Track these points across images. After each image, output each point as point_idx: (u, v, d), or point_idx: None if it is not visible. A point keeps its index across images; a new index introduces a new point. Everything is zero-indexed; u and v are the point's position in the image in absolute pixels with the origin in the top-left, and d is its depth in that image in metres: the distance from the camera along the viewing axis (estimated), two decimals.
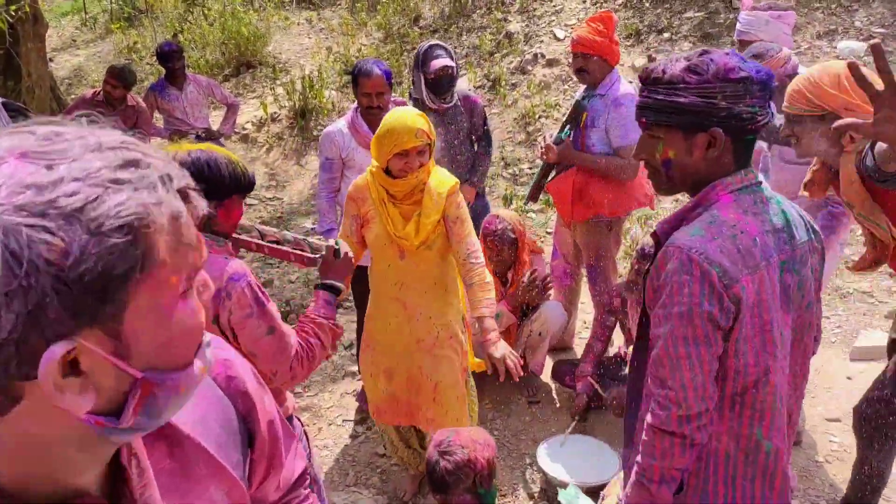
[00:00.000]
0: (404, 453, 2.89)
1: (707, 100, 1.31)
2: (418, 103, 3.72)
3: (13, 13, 4.55)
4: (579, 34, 3.09)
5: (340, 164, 3.26)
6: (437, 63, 3.51)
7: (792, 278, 1.35)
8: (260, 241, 2.00)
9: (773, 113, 1.32)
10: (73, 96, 7.96)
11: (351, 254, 2.02)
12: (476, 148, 3.91)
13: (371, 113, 3.11)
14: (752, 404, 1.35)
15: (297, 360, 1.78)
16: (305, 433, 2.11)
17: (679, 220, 1.41)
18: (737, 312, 1.29)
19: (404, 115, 2.34)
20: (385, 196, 2.41)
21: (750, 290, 1.29)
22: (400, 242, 2.40)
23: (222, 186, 1.75)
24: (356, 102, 3.24)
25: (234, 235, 1.92)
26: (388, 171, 2.38)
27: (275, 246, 2.00)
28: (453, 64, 3.59)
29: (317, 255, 1.97)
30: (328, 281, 1.96)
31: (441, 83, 3.56)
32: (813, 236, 1.43)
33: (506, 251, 3.16)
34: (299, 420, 2.09)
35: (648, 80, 1.37)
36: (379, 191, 2.41)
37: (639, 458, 1.39)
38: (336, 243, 1.99)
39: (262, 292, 1.76)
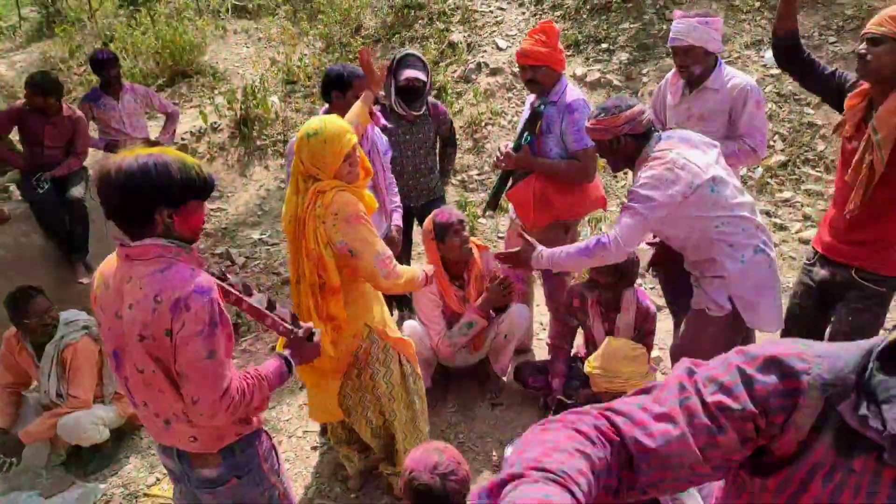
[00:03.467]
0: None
1: None
2: (385, 108, 3.72)
3: None
4: (524, 47, 3.16)
5: None
6: (408, 73, 3.54)
7: None
8: (242, 296, 1.97)
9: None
10: None
11: (321, 345, 2.06)
12: (438, 156, 4.00)
13: None
14: None
15: (228, 401, 1.71)
16: (274, 448, 2.05)
17: None
18: None
19: (333, 117, 2.48)
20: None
21: None
22: None
23: (174, 191, 1.68)
24: (326, 107, 3.21)
25: (220, 283, 1.86)
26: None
27: (256, 306, 1.97)
28: (424, 78, 3.61)
29: (294, 329, 1.98)
30: (289, 357, 1.96)
31: (410, 93, 3.59)
32: None
33: (462, 244, 3.18)
34: (268, 435, 2.03)
35: None
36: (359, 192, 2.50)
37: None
38: (314, 330, 2.04)
39: (222, 314, 1.70)
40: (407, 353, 2.74)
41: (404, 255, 4.12)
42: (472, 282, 3.31)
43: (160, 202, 1.68)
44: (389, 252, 2.47)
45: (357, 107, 3.02)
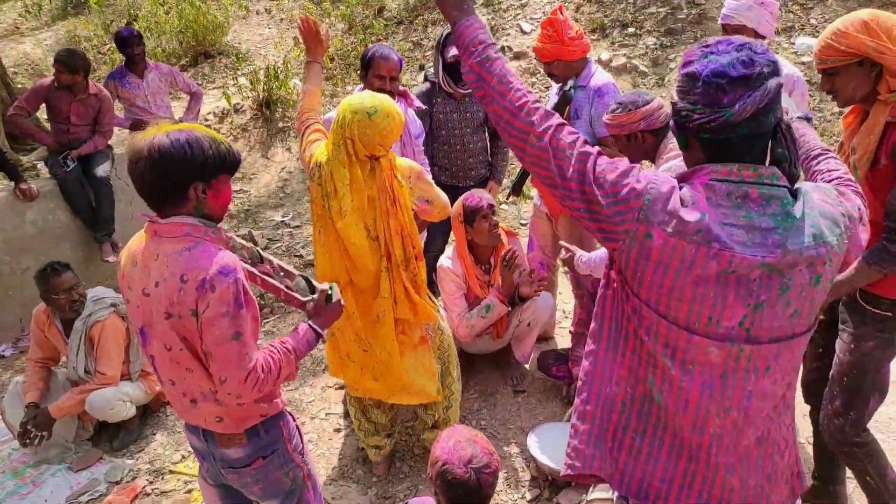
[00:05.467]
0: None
1: (673, 92, 1.36)
2: (434, 86, 3.72)
3: None
4: (535, 44, 3.14)
5: None
6: (454, 50, 3.51)
7: (761, 275, 1.27)
8: (253, 270, 1.96)
9: (728, 113, 1.25)
10: (20, 85, 7.59)
11: (343, 301, 2.01)
12: (489, 138, 3.97)
13: None
14: (648, 349, 1.36)
15: (253, 379, 1.71)
16: (298, 429, 2.06)
17: None
18: (630, 248, 1.30)
19: (371, 92, 2.49)
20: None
21: (656, 243, 1.28)
22: None
23: (207, 166, 1.69)
24: (361, 86, 3.20)
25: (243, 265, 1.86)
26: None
27: (268, 279, 1.96)
28: None
29: (307, 299, 1.96)
30: (315, 324, 1.94)
31: (458, 70, 3.57)
32: (830, 239, 1.31)
33: (490, 229, 3.17)
34: (292, 416, 2.04)
35: None
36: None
37: None
38: (330, 288, 1.99)
39: (247, 294, 1.71)
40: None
41: (442, 238, 4.14)
42: (498, 267, 3.30)
43: (195, 178, 1.68)
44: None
45: (310, 91, 2.76)
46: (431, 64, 3.81)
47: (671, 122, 1.37)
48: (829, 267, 1.31)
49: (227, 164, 1.74)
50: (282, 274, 2.04)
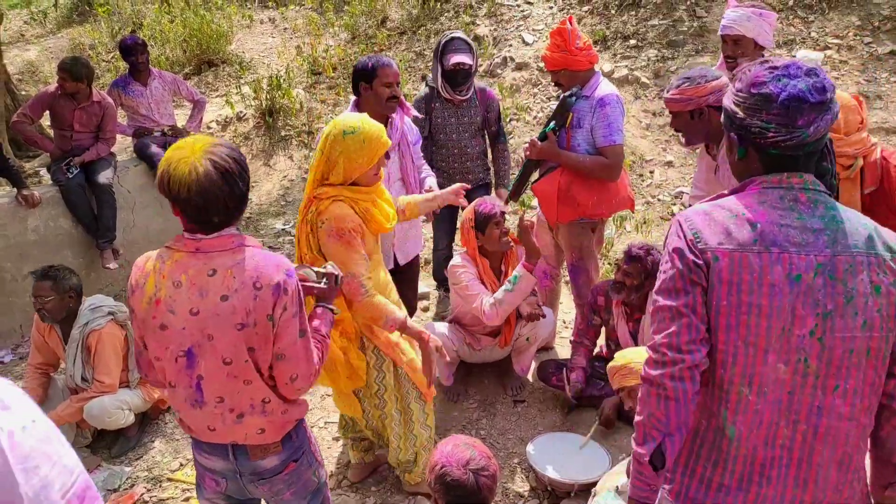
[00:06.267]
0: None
1: (733, 106, 1.42)
2: (433, 91, 3.75)
3: None
4: (544, 53, 3.17)
5: None
6: (454, 58, 3.55)
7: (824, 282, 1.34)
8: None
9: (804, 133, 1.34)
10: (24, 92, 7.63)
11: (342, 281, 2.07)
12: (489, 143, 3.99)
13: (390, 104, 3.01)
14: (721, 383, 1.39)
15: (316, 371, 1.77)
16: (309, 431, 2.06)
17: None
18: (708, 276, 1.37)
19: (366, 116, 2.41)
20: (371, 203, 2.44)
21: (724, 263, 1.35)
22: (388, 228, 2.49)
23: None
24: (355, 99, 3.16)
25: None
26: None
27: (306, 284, 1.96)
28: (471, 62, 3.61)
29: (326, 286, 1.98)
30: (327, 304, 1.97)
31: (457, 77, 3.60)
32: (883, 252, 1.36)
33: (501, 236, 3.16)
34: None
35: None
36: (365, 203, 2.41)
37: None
38: (338, 270, 2.01)
39: (302, 293, 1.75)
40: (397, 359, 2.61)
41: (446, 237, 4.15)
42: (509, 274, 3.28)
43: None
44: (363, 278, 2.35)
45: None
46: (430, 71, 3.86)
47: (732, 135, 1.44)
48: (886, 279, 1.36)
49: None
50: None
